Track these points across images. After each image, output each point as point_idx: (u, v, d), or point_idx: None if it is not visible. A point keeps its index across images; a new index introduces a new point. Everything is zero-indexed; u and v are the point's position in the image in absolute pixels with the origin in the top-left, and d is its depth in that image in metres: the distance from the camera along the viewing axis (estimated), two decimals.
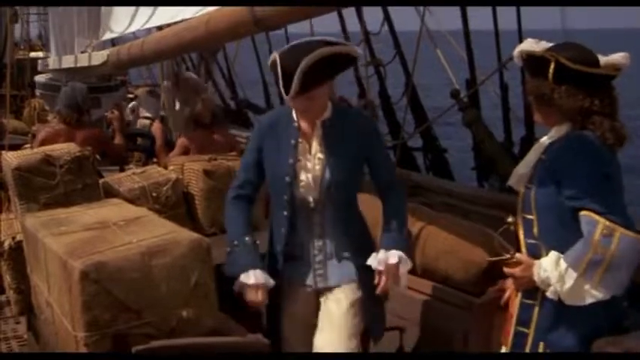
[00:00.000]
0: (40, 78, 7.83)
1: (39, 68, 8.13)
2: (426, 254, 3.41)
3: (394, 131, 8.51)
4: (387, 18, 8.51)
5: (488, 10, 7.23)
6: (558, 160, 2.40)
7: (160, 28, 6.19)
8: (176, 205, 4.06)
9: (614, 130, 2.38)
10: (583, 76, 2.37)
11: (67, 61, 6.91)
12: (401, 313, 3.56)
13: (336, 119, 2.75)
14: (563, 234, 2.38)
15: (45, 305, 3.08)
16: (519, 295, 2.52)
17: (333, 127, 2.74)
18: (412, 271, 3.66)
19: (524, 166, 2.58)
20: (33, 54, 13.60)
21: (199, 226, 4.06)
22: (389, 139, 8.40)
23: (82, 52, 6.83)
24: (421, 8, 5.65)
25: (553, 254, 2.38)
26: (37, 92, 8.27)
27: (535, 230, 2.46)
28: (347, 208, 2.82)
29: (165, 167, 4.77)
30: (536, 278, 2.40)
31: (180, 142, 5.13)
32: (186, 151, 5.04)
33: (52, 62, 7.27)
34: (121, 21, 6.53)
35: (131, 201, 3.71)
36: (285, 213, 2.77)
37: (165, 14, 5.57)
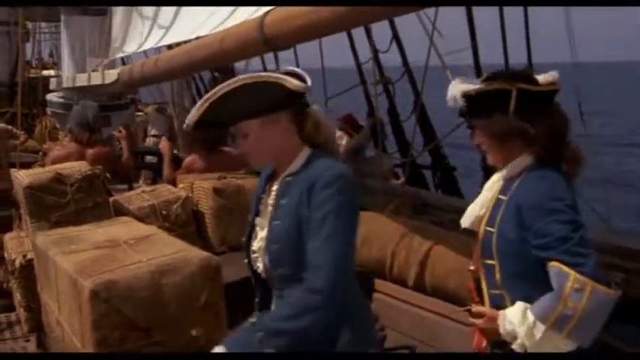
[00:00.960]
0: (51, 96, 7.89)
1: (51, 87, 8.18)
2: (436, 273, 3.40)
3: (403, 149, 8.52)
4: (396, 37, 8.54)
5: (499, 43, 7.24)
6: (524, 204, 2.21)
7: (169, 47, 6.25)
8: (186, 223, 4.07)
9: (576, 159, 2.25)
10: (542, 98, 2.24)
11: (81, 80, 6.96)
12: (411, 332, 3.55)
13: (301, 174, 2.19)
14: (528, 282, 2.21)
15: (55, 324, 3.09)
16: (488, 344, 2.37)
17: (289, 184, 2.20)
18: (422, 290, 3.67)
19: (480, 207, 2.43)
20: (45, 72, 13.70)
21: (209, 244, 4.06)
22: (398, 157, 8.41)
23: (94, 71, 6.88)
24: (429, 29, 5.66)
25: (519, 305, 2.21)
26: (49, 110, 8.32)
27: (497, 277, 2.28)
28: (290, 289, 2.14)
29: (170, 182, 4.79)
30: (501, 330, 2.24)
31: (190, 160, 5.14)
32: (191, 170, 5.04)
33: (66, 80, 7.32)
34: (134, 40, 6.59)
35: (141, 219, 3.72)
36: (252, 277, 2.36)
37: (178, 33, 5.62)
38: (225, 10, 4.80)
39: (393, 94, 8.67)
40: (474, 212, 2.44)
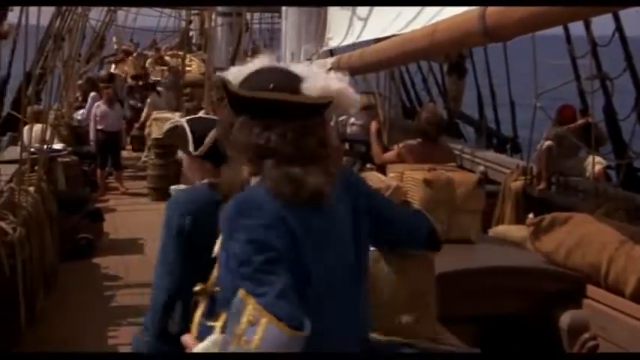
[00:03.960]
0: None
1: None
2: None
3: (619, 150, 8.00)
4: (619, 29, 8.02)
5: None
6: (223, 223, 1.91)
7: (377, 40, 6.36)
8: None
9: (290, 180, 1.84)
10: (260, 104, 1.87)
11: None
12: (626, 345, 3.36)
13: None
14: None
15: None
16: None
17: None
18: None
19: None
20: None
21: None
22: (611, 159, 7.93)
23: (308, 59, 7.18)
24: None
25: (210, 339, 1.93)
26: None
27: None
28: None
29: (380, 169, 4.87)
30: None
31: (400, 149, 5.20)
32: (403, 160, 5.11)
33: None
34: (338, 33, 6.82)
35: None
36: None
37: (377, 28, 5.73)
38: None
39: (611, 90, 8.16)
40: None
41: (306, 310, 1.77)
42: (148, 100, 13.30)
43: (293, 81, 1.92)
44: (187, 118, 2.89)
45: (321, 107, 1.93)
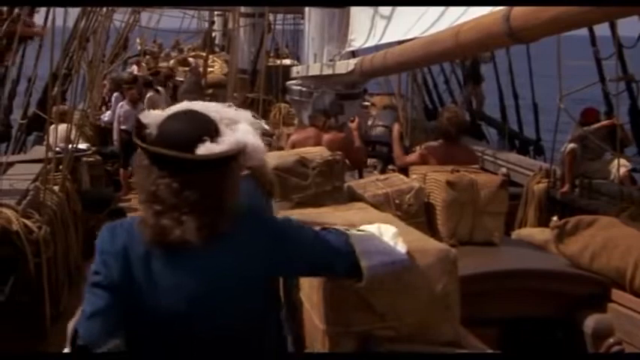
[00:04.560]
0: (291, 84, 8.40)
1: (292, 75, 8.72)
2: None
3: None
4: None
5: None
6: None
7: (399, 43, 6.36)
8: (417, 213, 4.11)
9: (151, 227, 1.98)
10: (154, 155, 2.02)
11: (325, 69, 7.32)
12: None
13: None
14: None
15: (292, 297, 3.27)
16: None
17: None
18: None
19: None
20: (287, 61, 14.51)
21: (438, 237, 4.07)
22: (637, 161, 7.85)
23: (331, 60, 7.20)
24: None
25: None
26: (287, 97, 8.86)
27: None
28: None
29: (402, 171, 4.86)
30: None
31: (421, 152, 5.19)
32: (425, 161, 5.08)
33: (312, 69, 7.74)
34: (361, 34, 6.82)
35: (374, 206, 3.82)
36: None
37: (400, 30, 5.73)
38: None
39: (636, 93, 8.07)
40: None
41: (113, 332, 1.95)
42: (146, 99, 13.15)
43: (198, 131, 2.01)
44: None
45: (210, 163, 2.00)
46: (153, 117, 2.10)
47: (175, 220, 1.97)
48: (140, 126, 2.08)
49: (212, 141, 1.99)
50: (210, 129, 2.03)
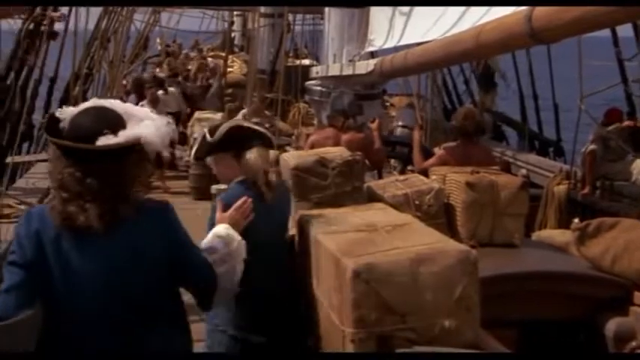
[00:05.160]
0: (310, 84, 8.41)
1: (311, 75, 8.72)
2: None
3: None
4: None
5: None
6: None
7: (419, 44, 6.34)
8: (437, 214, 4.09)
9: (60, 213, 2.22)
10: (61, 146, 2.26)
11: (345, 69, 7.32)
12: None
13: None
14: None
15: (310, 295, 3.28)
16: None
17: None
18: None
19: None
20: (306, 61, 14.53)
21: (458, 238, 4.05)
22: None
23: (350, 61, 7.20)
24: None
25: None
26: (307, 97, 8.87)
27: None
28: None
29: (421, 172, 4.84)
30: None
31: (439, 154, 5.17)
32: (444, 163, 5.06)
33: (332, 70, 7.75)
34: (381, 35, 6.81)
35: (394, 207, 3.81)
36: None
37: (420, 30, 5.73)
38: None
39: None
40: None
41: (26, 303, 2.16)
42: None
43: (100, 125, 2.24)
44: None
45: (109, 153, 2.23)
46: (68, 113, 2.32)
47: (80, 207, 2.20)
48: (53, 121, 2.31)
49: (113, 134, 2.22)
50: (113, 123, 2.27)
